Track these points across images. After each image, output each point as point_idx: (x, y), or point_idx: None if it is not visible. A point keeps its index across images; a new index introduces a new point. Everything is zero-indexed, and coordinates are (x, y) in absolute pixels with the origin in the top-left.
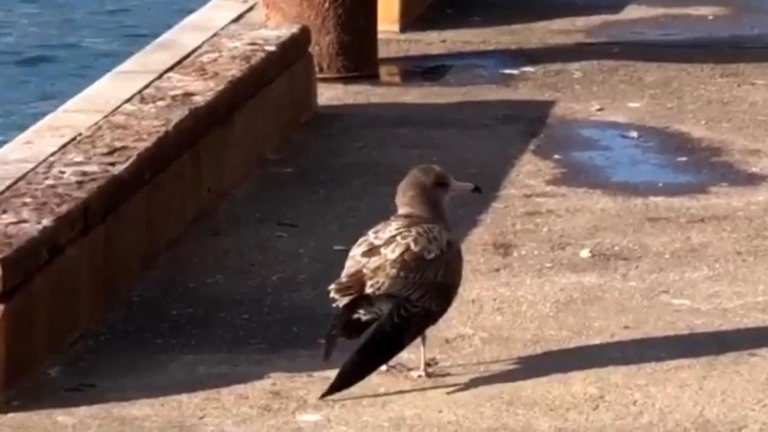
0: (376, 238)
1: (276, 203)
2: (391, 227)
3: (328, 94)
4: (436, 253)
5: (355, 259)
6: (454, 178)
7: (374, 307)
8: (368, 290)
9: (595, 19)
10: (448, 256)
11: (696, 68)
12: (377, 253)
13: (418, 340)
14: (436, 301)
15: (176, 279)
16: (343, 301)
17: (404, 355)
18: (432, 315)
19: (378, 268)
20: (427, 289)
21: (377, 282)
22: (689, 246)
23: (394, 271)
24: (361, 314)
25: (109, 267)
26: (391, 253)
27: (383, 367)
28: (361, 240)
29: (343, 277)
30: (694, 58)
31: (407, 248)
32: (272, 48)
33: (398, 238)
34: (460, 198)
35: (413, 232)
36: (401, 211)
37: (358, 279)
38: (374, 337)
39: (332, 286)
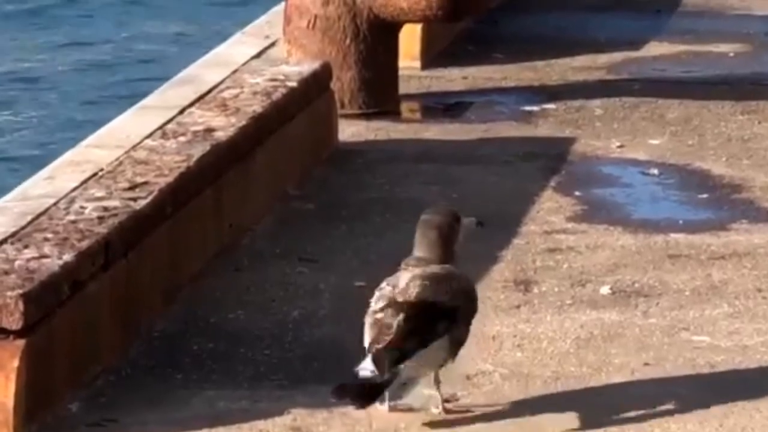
0: (392, 291)
1: (297, 239)
2: (406, 275)
3: (350, 130)
4: (455, 287)
5: (379, 313)
6: (470, 215)
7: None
8: (399, 298)
9: (617, 56)
10: (466, 286)
11: (717, 105)
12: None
13: (434, 377)
14: (464, 316)
15: (197, 314)
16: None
17: (423, 392)
18: (461, 326)
19: (405, 288)
20: (456, 295)
21: (409, 294)
22: (710, 283)
23: (423, 282)
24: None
25: (130, 302)
26: (412, 288)
27: (402, 403)
28: (378, 294)
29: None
30: (715, 95)
31: (424, 272)
32: (294, 84)
33: (416, 279)
34: (481, 234)
35: (429, 271)
36: (416, 252)
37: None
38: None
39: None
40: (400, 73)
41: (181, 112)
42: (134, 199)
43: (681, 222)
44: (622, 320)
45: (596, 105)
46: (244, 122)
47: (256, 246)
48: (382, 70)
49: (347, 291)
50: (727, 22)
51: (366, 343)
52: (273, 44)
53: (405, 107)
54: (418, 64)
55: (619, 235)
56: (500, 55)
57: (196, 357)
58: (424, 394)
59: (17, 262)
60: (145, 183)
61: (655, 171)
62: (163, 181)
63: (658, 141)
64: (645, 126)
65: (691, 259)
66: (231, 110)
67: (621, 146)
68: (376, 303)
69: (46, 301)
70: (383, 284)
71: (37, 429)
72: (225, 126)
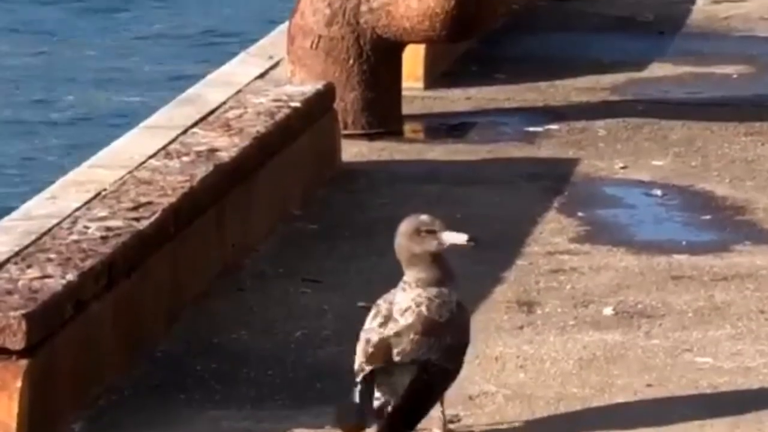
0: (388, 309)
1: (300, 259)
2: (402, 296)
3: (353, 151)
4: (447, 317)
5: (374, 330)
6: (476, 234)
7: (394, 376)
8: (395, 357)
9: (620, 77)
10: (459, 317)
11: (720, 127)
12: (395, 321)
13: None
14: (453, 362)
15: (200, 334)
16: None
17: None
18: (450, 374)
19: (398, 334)
20: (445, 350)
21: (402, 349)
22: (712, 304)
23: (415, 336)
24: (378, 396)
25: (133, 322)
26: (406, 321)
27: None
28: (373, 312)
29: (369, 348)
30: (719, 117)
31: (420, 314)
32: (297, 104)
33: (413, 305)
34: (483, 255)
35: (424, 297)
36: (405, 275)
37: (386, 347)
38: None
39: (359, 359)
40: (404, 93)
41: (185, 132)
42: (137, 219)
43: (684, 243)
44: (624, 341)
45: (600, 126)
46: (247, 143)
47: (259, 266)
48: (385, 91)
49: (350, 311)
50: (731, 43)
51: (357, 364)
52: (276, 64)
53: (408, 128)
54: (421, 84)
55: (622, 256)
56: (503, 75)
57: (199, 377)
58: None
59: (20, 282)
60: (149, 203)
61: (659, 192)
62: (166, 201)
63: (661, 162)
64: (648, 147)
65: (694, 280)
66: (234, 130)
67: (624, 167)
68: (371, 321)
69: (49, 321)
70: (379, 301)
71: None
72: (228, 146)
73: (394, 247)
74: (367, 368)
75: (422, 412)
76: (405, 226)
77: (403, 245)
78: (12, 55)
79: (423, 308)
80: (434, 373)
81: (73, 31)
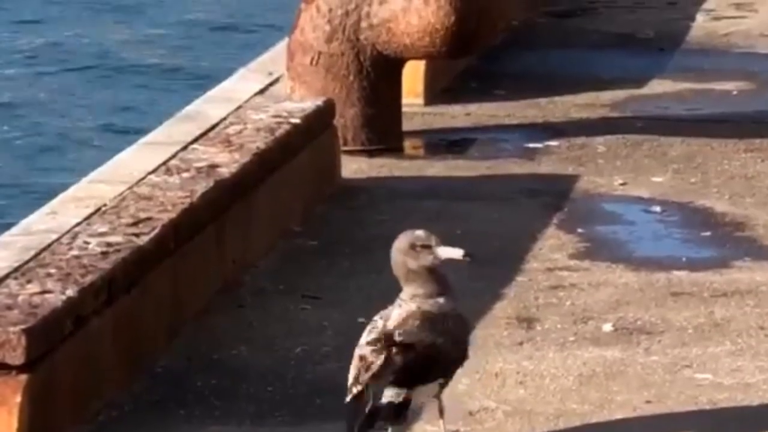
0: (385, 326)
1: (300, 275)
2: (398, 312)
3: (353, 167)
4: (446, 324)
5: (366, 348)
6: (473, 250)
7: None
8: (397, 338)
9: (620, 94)
10: (458, 326)
11: (720, 143)
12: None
13: (437, 413)
14: (455, 351)
15: (200, 350)
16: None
17: (427, 428)
18: (454, 362)
19: (398, 324)
20: (448, 337)
21: (405, 330)
22: (712, 320)
23: (416, 322)
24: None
25: (133, 337)
26: (404, 315)
27: None
28: (369, 327)
29: (372, 335)
30: (718, 133)
31: (418, 310)
32: (297, 120)
33: (409, 317)
34: (483, 271)
35: (420, 309)
36: (402, 292)
37: (388, 333)
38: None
39: (353, 372)
40: (404, 109)
41: (185, 148)
42: (137, 235)
43: (684, 259)
44: (624, 357)
45: (599, 142)
46: (247, 159)
47: (259, 282)
48: (385, 107)
49: (350, 327)
50: (731, 60)
51: (350, 379)
52: (276, 81)
53: (408, 144)
54: (421, 100)
55: (621, 273)
56: (503, 92)
57: (199, 393)
58: (427, 430)
59: (20, 297)
60: (149, 219)
61: (658, 209)
62: (166, 217)
63: (660, 179)
64: (648, 164)
65: (693, 296)
66: (234, 146)
67: (624, 184)
68: (366, 336)
69: (49, 336)
70: (376, 317)
71: None
72: (228, 162)
73: (391, 263)
74: (359, 387)
75: (428, 370)
76: (400, 242)
77: (399, 260)
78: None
79: (419, 312)
80: (440, 351)
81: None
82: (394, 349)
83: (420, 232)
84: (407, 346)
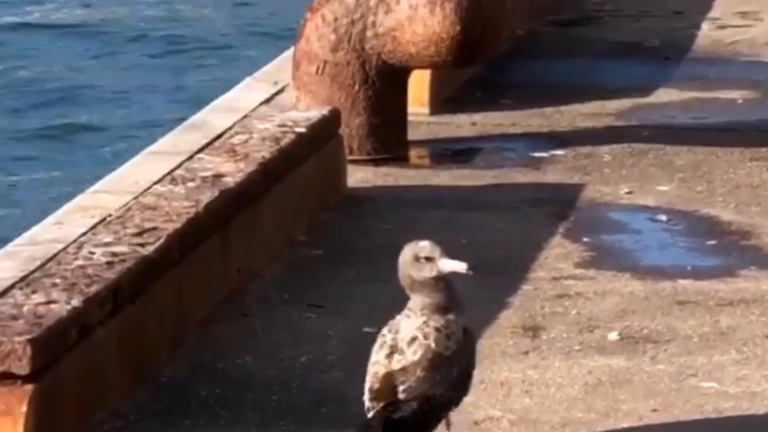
0: (394, 339)
1: (305, 285)
2: (407, 324)
3: (358, 176)
4: (453, 349)
5: (380, 363)
6: (476, 262)
7: (405, 404)
8: (400, 395)
9: (626, 103)
10: (465, 345)
11: (726, 152)
12: (401, 352)
13: (443, 424)
14: (458, 390)
15: (205, 359)
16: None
17: None
18: (454, 402)
19: (404, 370)
20: (451, 382)
21: (408, 386)
22: (718, 329)
23: (421, 372)
24: (392, 412)
25: (138, 347)
26: (413, 354)
27: None
28: (379, 342)
29: (375, 384)
30: (724, 142)
31: (428, 348)
32: (302, 130)
33: (419, 336)
34: (489, 280)
35: (431, 328)
36: (410, 301)
37: (390, 383)
38: (400, 428)
39: (365, 395)
40: (409, 119)
41: (190, 157)
42: (142, 245)
43: (689, 268)
44: (630, 366)
45: (605, 151)
46: (252, 168)
47: (264, 292)
48: (390, 116)
49: (355, 337)
50: (736, 68)
51: (366, 398)
52: (282, 90)
53: (413, 153)
54: (426, 110)
55: (627, 282)
56: (509, 101)
57: (203, 402)
58: None
59: (25, 307)
60: (154, 228)
61: (664, 217)
62: (171, 227)
63: (666, 187)
64: (653, 172)
65: (699, 305)
66: (240, 156)
67: (629, 192)
68: (377, 352)
69: (54, 346)
70: (384, 330)
71: None
72: (233, 172)
73: (401, 276)
74: (376, 405)
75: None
76: (405, 253)
77: (404, 272)
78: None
79: (431, 342)
80: (438, 405)
81: None
82: (390, 408)
83: (425, 244)
84: (408, 402)
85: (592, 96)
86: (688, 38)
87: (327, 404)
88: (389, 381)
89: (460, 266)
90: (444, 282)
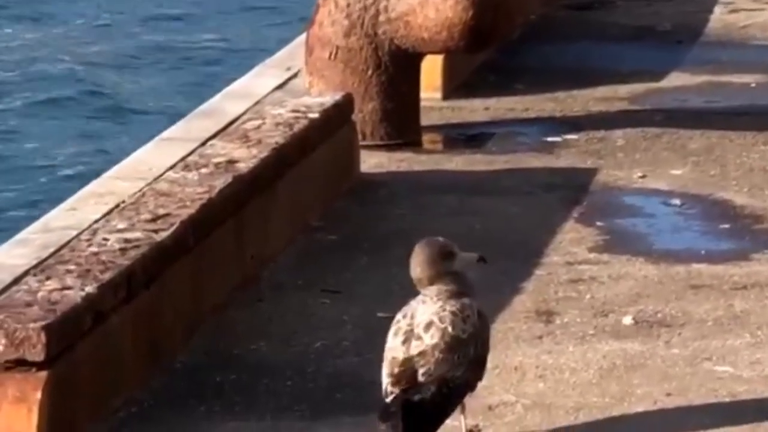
0: (410, 324)
1: (319, 270)
2: (423, 309)
3: (371, 162)
4: (470, 332)
5: (398, 348)
6: (492, 245)
7: (424, 387)
8: (420, 378)
9: (639, 87)
10: (481, 328)
11: (739, 135)
12: (418, 337)
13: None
14: (475, 373)
15: (219, 345)
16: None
17: (447, 422)
18: (471, 385)
19: (423, 353)
20: (468, 364)
21: (428, 369)
22: (732, 313)
23: (439, 355)
24: (412, 396)
25: (152, 333)
26: (430, 338)
27: None
28: (394, 328)
29: (395, 368)
30: (737, 126)
31: (445, 331)
32: (315, 115)
33: (436, 320)
34: (502, 265)
35: (447, 312)
36: (424, 291)
37: (410, 367)
38: (420, 411)
39: (385, 380)
40: (422, 104)
41: (203, 143)
42: (156, 231)
43: (703, 252)
44: (644, 350)
45: (618, 135)
46: (265, 154)
47: (278, 277)
48: (403, 102)
49: (369, 322)
50: (749, 52)
51: (384, 384)
52: (295, 76)
53: (426, 138)
54: (439, 95)
55: (641, 266)
56: (522, 85)
57: (218, 388)
58: (448, 425)
59: (39, 294)
60: (167, 215)
61: (677, 201)
62: (185, 213)
63: (680, 171)
64: (667, 156)
65: (713, 289)
66: (253, 142)
67: (643, 176)
68: (393, 338)
69: (69, 333)
70: (399, 316)
71: None
72: (247, 157)
73: (411, 273)
74: (396, 390)
75: (441, 420)
76: (426, 251)
77: (428, 268)
78: None
79: (448, 325)
80: (456, 387)
81: None
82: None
83: (440, 240)
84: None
85: (605, 80)
86: (700, 22)
87: (341, 389)
88: (409, 365)
89: (472, 258)
90: (461, 274)
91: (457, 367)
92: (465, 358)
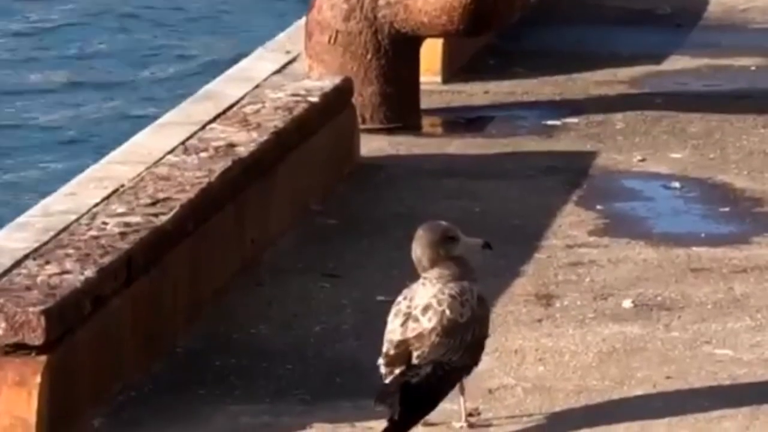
0: (409, 306)
1: (319, 254)
2: (423, 291)
3: (371, 145)
4: (468, 315)
5: (396, 330)
6: (492, 229)
7: (420, 369)
8: (414, 360)
9: (638, 70)
10: (480, 312)
11: (738, 119)
12: (415, 320)
13: (457, 391)
14: (472, 357)
15: (219, 330)
16: (394, 371)
17: (447, 406)
18: (468, 368)
19: (419, 336)
20: (465, 348)
21: (422, 352)
22: (731, 296)
23: (436, 338)
24: (410, 377)
25: (152, 318)
26: (428, 321)
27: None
28: (394, 310)
29: (390, 350)
30: (737, 109)
31: (443, 315)
32: (315, 99)
33: (434, 304)
34: (502, 249)
35: (446, 295)
36: (425, 274)
37: (405, 349)
38: (415, 393)
39: (381, 360)
40: (422, 87)
41: (203, 127)
42: (156, 215)
43: (703, 235)
44: (644, 334)
45: (618, 119)
46: (265, 138)
47: (278, 261)
48: (403, 85)
49: (369, 306)
50: (749, 36)
51: (381, 364)
52: (294, 59)
53: (426, 122)
54: (439, 78)
55: (641, 249)
56: (521, 69)
57: (218, 373)
58: (448, 408)
59: (39, 278)
60: (167, 199)
61: (677, 184)
62: (184, 197)
63: (679, 155)
64: (667, 140)
65: (713, 272)
66: (252, 126)
67: (643, 160)
68: (393, 320)
69: (68, 317)
70: (399, 298)
71: None
72: (246, 141)
73: (413, 256)
74: (393, 370)
75: (436, 401)
76: (429, 235)
77: (430, 251)
78: None
79: (446, 308)
80: (450, 370)
81: None
82: (408, 373)
83: (443, 224)
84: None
85: (605, 64)
86: (700, 5)
87: (341, 373)
88: (404, 347)
89: (477, 242)
90: (461, 258)
91: (453, 351)
92: (462, 342)
